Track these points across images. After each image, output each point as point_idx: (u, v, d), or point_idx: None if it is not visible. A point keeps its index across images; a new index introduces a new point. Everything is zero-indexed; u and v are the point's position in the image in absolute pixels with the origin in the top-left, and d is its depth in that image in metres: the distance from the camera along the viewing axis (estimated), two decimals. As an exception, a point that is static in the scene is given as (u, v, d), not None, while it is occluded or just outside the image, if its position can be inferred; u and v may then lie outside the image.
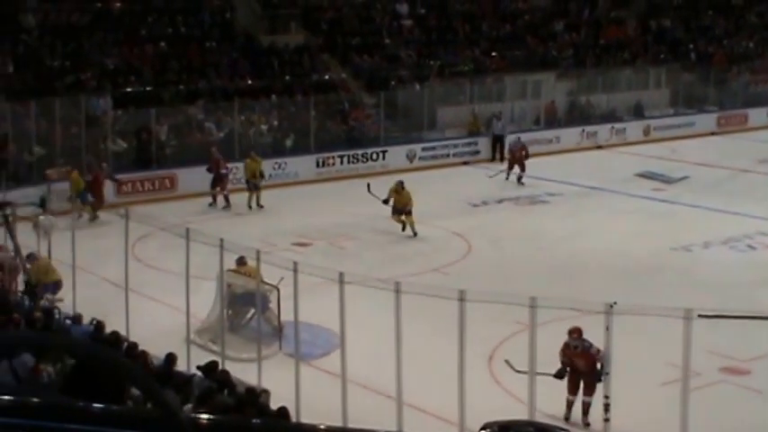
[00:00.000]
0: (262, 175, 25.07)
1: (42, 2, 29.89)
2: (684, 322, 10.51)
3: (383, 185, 22.61)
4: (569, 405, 13.03)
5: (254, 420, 3.04)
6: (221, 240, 13.65)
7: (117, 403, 2.95)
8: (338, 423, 11.01)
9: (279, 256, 15.14)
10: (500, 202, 25.76)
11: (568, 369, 12.92)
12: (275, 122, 29.47)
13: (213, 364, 12.41)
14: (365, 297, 12.88)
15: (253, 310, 15.33)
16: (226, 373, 12.12)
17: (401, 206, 21.88)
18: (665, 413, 11.65)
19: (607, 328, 11.19)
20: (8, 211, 17.17)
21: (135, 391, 8.62)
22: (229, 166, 25.51)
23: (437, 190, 26.30)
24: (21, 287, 16.33)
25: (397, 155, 29.77)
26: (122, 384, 8.02)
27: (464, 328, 11.20)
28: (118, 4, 30.70)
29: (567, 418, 12.90)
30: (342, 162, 28.86)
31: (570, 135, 33.30)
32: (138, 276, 16.13)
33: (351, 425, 10.64)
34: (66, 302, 15.75)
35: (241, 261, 15.73)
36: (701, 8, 42.45)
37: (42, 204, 18.85)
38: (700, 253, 20.89)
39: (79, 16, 29.74)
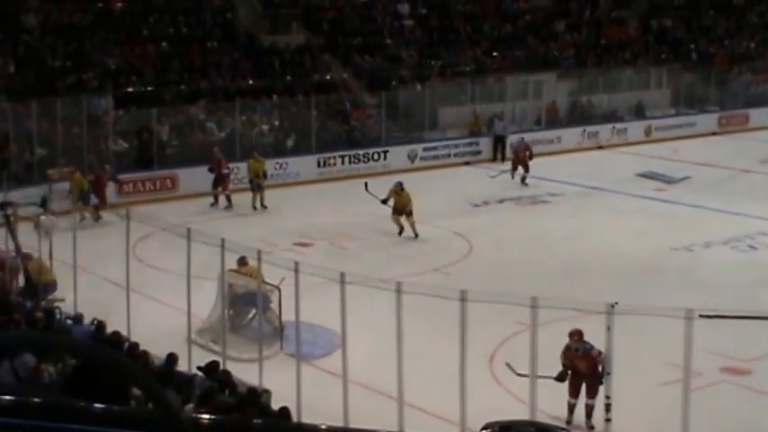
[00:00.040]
0: (265, 175, 25.05)
1: (44, 2, 29.90)
2: (685, 322, 10.51)
3: (384, 186, 22.61)
4: (571, 408, 12.97)
5: (255, 420, 3.04)
6: (222, 240, 13.65)
7: (120, 404, 2.95)
8: (339, 423, 11.01)
9: (280, 256, 15.15)
10: (501, 202, 25.76)
11: (570, 372, 12.88)
12: (276, 122, 29.48)
13: (214, 364, 12.41)
14: (366, 297, 12.88)
15: (254, 311, 15.33)
16: (227, 373, 12.12)
17: (401, 207, 21.86)
18: (666, 413, 11.67)
19: (608, 329, 11.19)
20: (9, 211, 17.18)
21: (137, 392, 8.63)
22: (230, 166, 25.51)
23: (438, 190, 26.31)
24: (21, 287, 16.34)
25: (398, 155, 29.77)
26: (125, 385, 8.02)
27: (465, 329, 11.20)
28: (119, 4, 30.71)
29: (568, 422, 12.83)
30: (343, 162, 28.87)
31: (571, 135, 33.29)
32: (140, 276, 16.13)
33: (352, 425, 10.63)
34: (67, 302, 15.75)
35: (242, 261, 15.74)
36: (703, 8, 42.44)
37: (43, 204, 18.86)
38: (701, 253, 20.88)
39: (81, 16, 29.75)
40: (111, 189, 24.37)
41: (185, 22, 31.14)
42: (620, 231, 22.30)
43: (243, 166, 25.84)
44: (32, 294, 15.77)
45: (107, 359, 2.46)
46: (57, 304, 15.51)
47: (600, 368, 12.40)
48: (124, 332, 13.70)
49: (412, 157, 30.06)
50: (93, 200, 23.35)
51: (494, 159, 30.79)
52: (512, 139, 30.44)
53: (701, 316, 10.68)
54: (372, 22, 34.79)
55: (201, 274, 14.60)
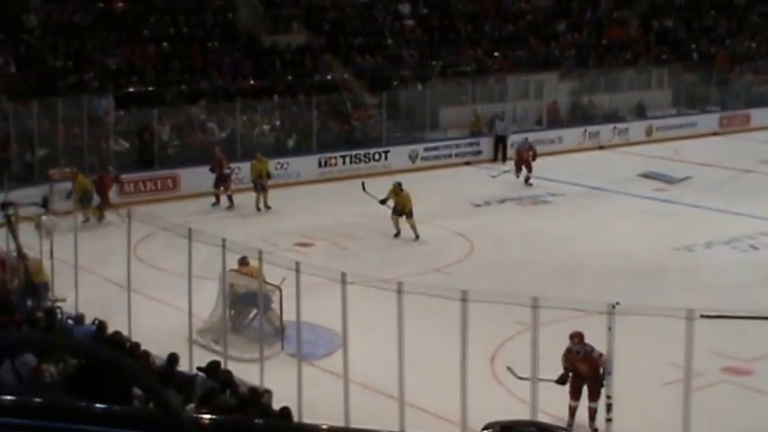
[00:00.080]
0: (269, 176, 25.02)
1: (45, 2, 29.91)
2: (686, 322, 10.51)
3: (385, 186, 22.59)
4: (572, 411, 12.88)
5: (256, 420, 3.04)
6: (223, 240, 13.65)
7: (123, 404, 2.95)
8: (340, 423, 11.01)
9: (281, 256, 15.16)
10: (502, 202, 25.76)
11: (571, 375, 12.81)
12: (277, 123, 29.48)
13: (215, 364, 12.41)
14: (367, 297, 12.88)
15: (255, 311, 15.33)
16: (228, 373, 12.12)
17: (401, 207, 21.81)
18: (667, 413, 11.66)
19: (609, 329, 11.19)
20: (10, 211, 17.17)
21: (138, 392, 8.63)
22: (231, 166, 25.50)
23: (439, 190, 26.31)
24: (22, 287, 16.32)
25: (399, 155, 29.77)
26: (128, 385, 8.02)
27: (466, 329, 11.20)
28: (120, 5, 30.72)
29: (569, 425, 12.74)
30: (344, 162, 28.87)
31: (572, 135, 33.28)
32: (141, 276, 16.13)
33: (353, 425, 10.63)
34: (68, 302, 15.75)
35: (243, 261, 15.73)
36: (704, 8, 42.43)
37: (45, 204, 18.84)
38: (702, 253, 20.88)
39: (81, 16, 29.76)
40: (113, 189, 24.36)
41: (186, 22, 31.15)
42: (621, 231, 22.29)
43: (243, 166, 25.84)
44: (33, 294, 15.76)
45: (108, 359, 2.46)
46: (58, 304, 15.51)
47: (601, 370, 12.37)
48: (125, 332, 13.70)
49: (413, 158, 30.06)
50: (96, 199, 23.32)
51: (495, 159, 30.79)
52: (513, 139, 30.44)
53: (702, 316, 10.68)
54: (373, 22, 34.80)
55: (203, 274, 14.60)
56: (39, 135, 25.60)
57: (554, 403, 12.51)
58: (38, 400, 2.72)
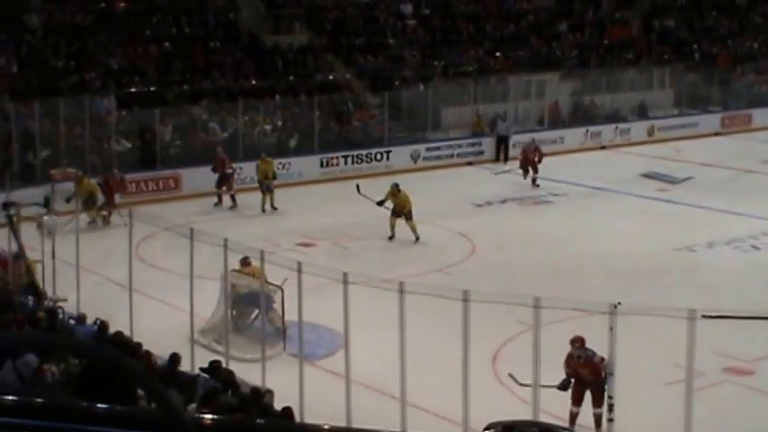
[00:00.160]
0: (274, 176, 24.95)
1: (46, 2, 29.93)
2: (688, 323, 10.51)
3: (385, 187, 22.54)
4: (573, 418, 12.74)
5: (258, 420, 3.04)
6: (225, 240, 13.65)
7: (128, 404, 2.94)
8: (342, 423, 11.01)
9: (283, 256, 15.17)
10: (504, 202, 25.75)
11: (573, 380, 12.72)
12: (279, 123, 29.49)
13: (217, 364, 12.41)
14: (369, 297, 12.88)
15: (257, 311, 15.33)
16: (230, 373, 12.13)
17: (399, 208, 21.75)
18: (668, 413, 11.65)
19: (611, 329, 11.19)
20: (12, 211, 17.17)
21: (140, 392, 8.62)
22: (233, 166, 25.50)
23: (441, 190, 26.30)
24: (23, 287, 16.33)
25: (400, 155, 29.76)
26: (133, 385, 8.02)
27: (468, 329, 11.20)
28: (122, 5, 30.74)
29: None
30: (346, 162, 28.86)
31: (574, 135, 33.27)
32: (142, 276, 16.15)
33: (355, 425, 10.62)
34: (70, 302, 15.75)
35: (245, 261, 15.73)
36: (705, 8, 42.42)
37: (46, 204, 18.85)
38: (704, 253, 20.86)
39: (83, 16, 29.77)
40: (117, 194, 24.32)
41: (188, 22, 31.16)
42: (622, 232, 22.28)
43: (246, 165, 25.84)
44: (34, 293, 15.77)
45: (109, 359, 2.46)
46: (60, 304, 15.52)
47: (603, 375, 12.30)
48: (127, 332, 13.69)
49: (415, 158, 30.05)
50: (101, 199, 23.29)
51: (496, 159, 30.79)
52: (517, 139, 30.43)
53: (703, 316, 10.68)
54: (375, 22, 34.80)
55: (204, 274, 14.61)
56: (40, 135, 25.61)
57: (555, 404, 12.49)
58: (39, 400, 2.72)
